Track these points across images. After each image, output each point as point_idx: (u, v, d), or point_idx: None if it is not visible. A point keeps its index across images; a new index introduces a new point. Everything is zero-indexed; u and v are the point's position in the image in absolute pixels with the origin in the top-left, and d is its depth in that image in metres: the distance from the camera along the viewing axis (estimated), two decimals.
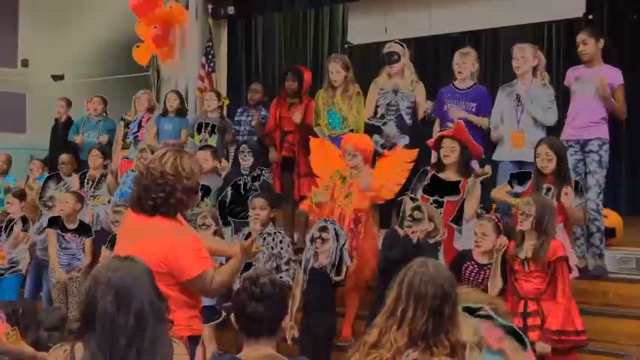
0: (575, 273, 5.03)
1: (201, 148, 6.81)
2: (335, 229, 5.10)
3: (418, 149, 5.83)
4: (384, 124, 6.20)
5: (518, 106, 5.69)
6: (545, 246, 4.33)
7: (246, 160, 6.38)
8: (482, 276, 4.62)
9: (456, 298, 2.40)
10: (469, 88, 6.01)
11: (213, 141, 7.37)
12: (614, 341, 5.07)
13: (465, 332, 2.44)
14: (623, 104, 5.64)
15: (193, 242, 3.23)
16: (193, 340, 3.31)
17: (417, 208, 4.89)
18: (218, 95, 7.79)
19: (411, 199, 5.03)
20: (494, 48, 9.29)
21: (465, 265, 4.65)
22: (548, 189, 4.93)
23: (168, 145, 6.52)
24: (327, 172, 5.78)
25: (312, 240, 5.13)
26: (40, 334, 3.98)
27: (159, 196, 3.15)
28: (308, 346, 4.97)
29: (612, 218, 6.23)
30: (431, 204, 5.19)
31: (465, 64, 5.98)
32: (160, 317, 2.13)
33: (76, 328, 2.15)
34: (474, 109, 5.91)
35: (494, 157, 5.86)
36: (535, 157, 5.05)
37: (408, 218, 4.87)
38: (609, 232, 5.93)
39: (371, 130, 6.27)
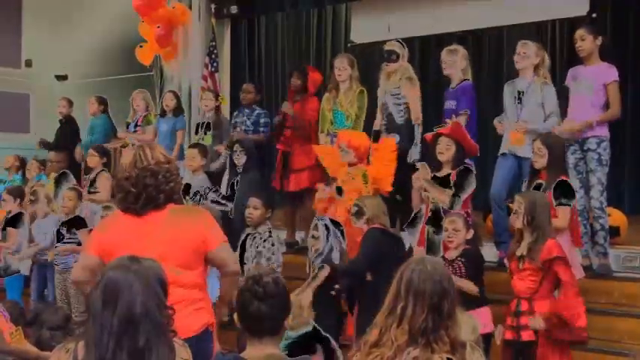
0: (582, 274, 4.99)
1: (190, 146, 6.95)
2: (325, 225, 5.10)
3: (395, 138, 5.94)
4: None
5: (518, 102, 5.69)
6: (539, 242, 4.26)
7: (240, 159, 6.44)
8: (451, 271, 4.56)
9: (455, 294, 2.41)
10: (456, 86, 5.98)
11: (208, 139, 7.40)
12: (618, 340, 5.07)
13: (463, 330, 2.45)
14: (616, 101, 5.52)
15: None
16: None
17: (356, 205, 5.09)
18: (216, 95, 7.82)
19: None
20: (497, 47, 9.26)
21: None
22: (539, 185, 4.88)
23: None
24: (343, 173, 5.84)
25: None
26: (43, 333, 3.98)
27: (169, 187, 3.20)
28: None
29: (616, 217, 6.22)
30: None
31: (451, 61, 5.95)
32: (157, 324, 2.07)
33: (81, 321, 2.15)
34: (454, 107, 5.88)
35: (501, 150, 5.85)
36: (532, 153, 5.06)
37: (352, 217, 5.10)
38: (613, 231, 5.91)
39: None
